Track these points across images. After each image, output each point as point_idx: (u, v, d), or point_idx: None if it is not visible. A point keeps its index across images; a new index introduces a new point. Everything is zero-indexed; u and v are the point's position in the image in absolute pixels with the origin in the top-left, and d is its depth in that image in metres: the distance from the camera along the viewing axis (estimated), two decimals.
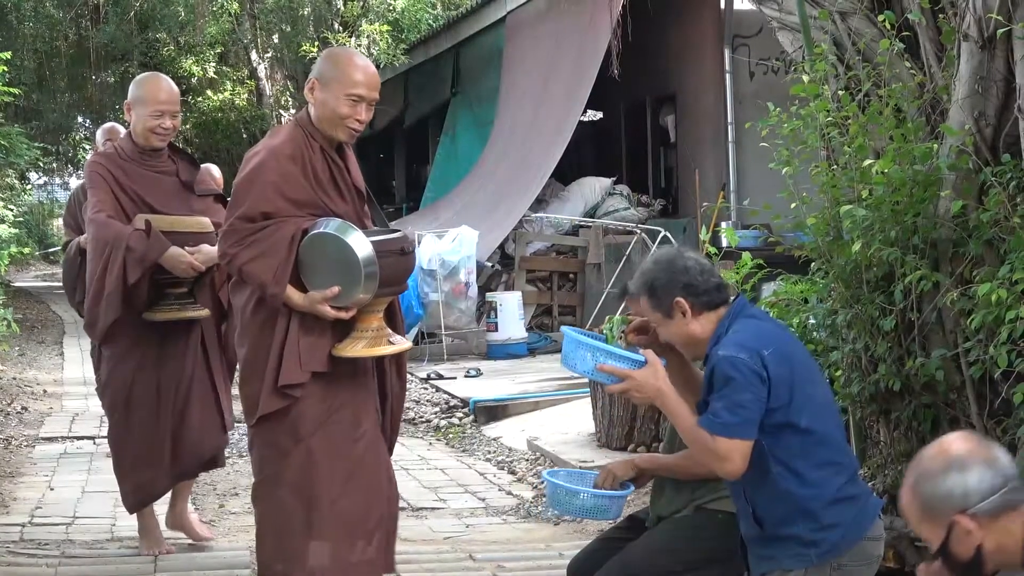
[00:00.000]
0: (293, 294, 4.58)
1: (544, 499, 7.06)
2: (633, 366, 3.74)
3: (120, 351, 6.02)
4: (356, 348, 4.67)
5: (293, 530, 4.67)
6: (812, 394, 3.72)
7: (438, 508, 7.55)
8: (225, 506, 7.47)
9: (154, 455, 6.02)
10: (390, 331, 4.81)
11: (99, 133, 8.22)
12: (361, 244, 4.55)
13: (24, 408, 11.40)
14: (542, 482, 8.00)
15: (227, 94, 27.14)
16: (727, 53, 14.87)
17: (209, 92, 27.18)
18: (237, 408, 5.84)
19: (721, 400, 3.61)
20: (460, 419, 10.43)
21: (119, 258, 5.73)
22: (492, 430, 9.92)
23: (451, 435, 9.99)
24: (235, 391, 7.78)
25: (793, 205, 6.01)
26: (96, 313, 5.87)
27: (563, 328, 4.08)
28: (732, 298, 3.87)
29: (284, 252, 4.57)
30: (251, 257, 4.57)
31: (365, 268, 4.54)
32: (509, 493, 7.94)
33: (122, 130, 8.17)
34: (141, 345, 5.97)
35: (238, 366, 4.88)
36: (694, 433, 3.67)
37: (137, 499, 6.17)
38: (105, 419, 10.36)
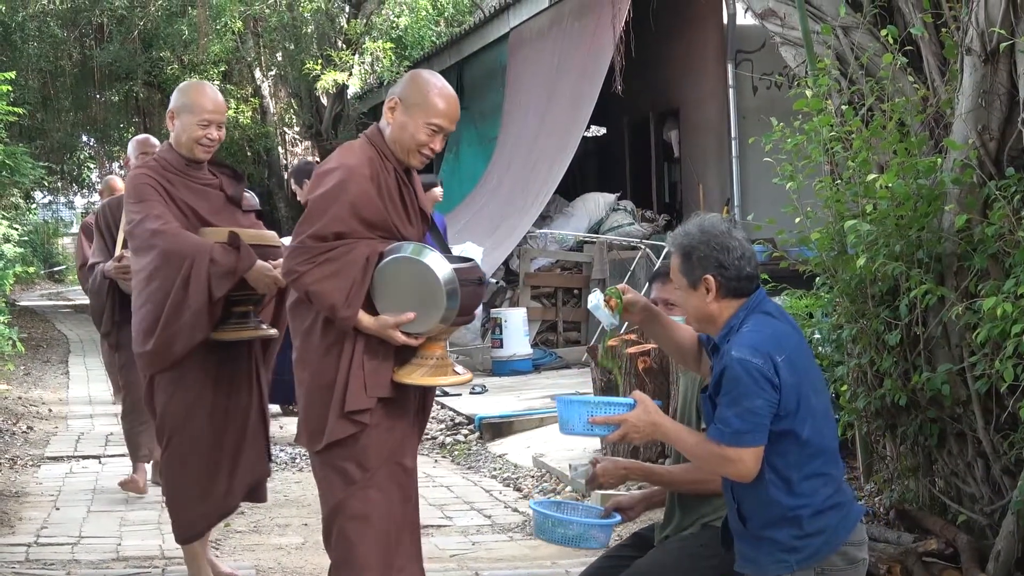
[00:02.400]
0: (363, 317, 4.46)
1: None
2: (623, 410, 3.75)
3: (178, 376, 5.58)
4: (416, 375, 4.56)
5: (367, 563, 4.56)
6: (815, 404, 3.73)
7: (444, 525, 7.54)
8: (230, 525, 7.45)
9: (209, 488, 5.68)
10: (452, 360, 4.72)
11: (132, 145, 7.98)
12: (447, 275, 4.45)
13: (29, 428, 11.40)
14: (547, 499, 8.00)
15: (231, 112, 27.15)
16: (730, 68, 14.90)
17: None
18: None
19: (732, 407, 3.61)
20: (465, 436, 10.42)
21: (203, 272, 5.34)
22: (498, 447, 9.91)
23: (456, 452, 9.98)
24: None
25: (797, 220, 6.01)
26: (171, 335, 5.42)
27: (554, 397, 4.10)
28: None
29: (358, 274, 4.45)
30: (322, 277, 4.44)
31: (448, 299, 4.45)
32: (515, 510, 7.92)
33: (156, 141, 7.90)
34: (199, 369, 5.58)
35: (297, 390, 4.66)
36: (702, 449, 3.69)
37: (188, 534, 5.82)
38: (111, 438, 10.44)
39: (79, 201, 40.68)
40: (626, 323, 4.33)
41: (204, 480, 5.66)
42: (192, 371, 5.57)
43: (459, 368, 4.74)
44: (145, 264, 5.52)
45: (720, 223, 3.84)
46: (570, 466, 4.53)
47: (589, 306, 4.19)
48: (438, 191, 12.81)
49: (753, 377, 3.60)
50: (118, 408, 12.52)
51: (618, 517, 4.49)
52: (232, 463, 5.70)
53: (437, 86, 4.62)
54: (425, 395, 4.81)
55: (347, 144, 4.70)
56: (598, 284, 14.44)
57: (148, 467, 8.30)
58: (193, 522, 5.75)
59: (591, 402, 3.85)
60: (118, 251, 7.54)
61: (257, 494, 5.92)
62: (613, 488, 4.42)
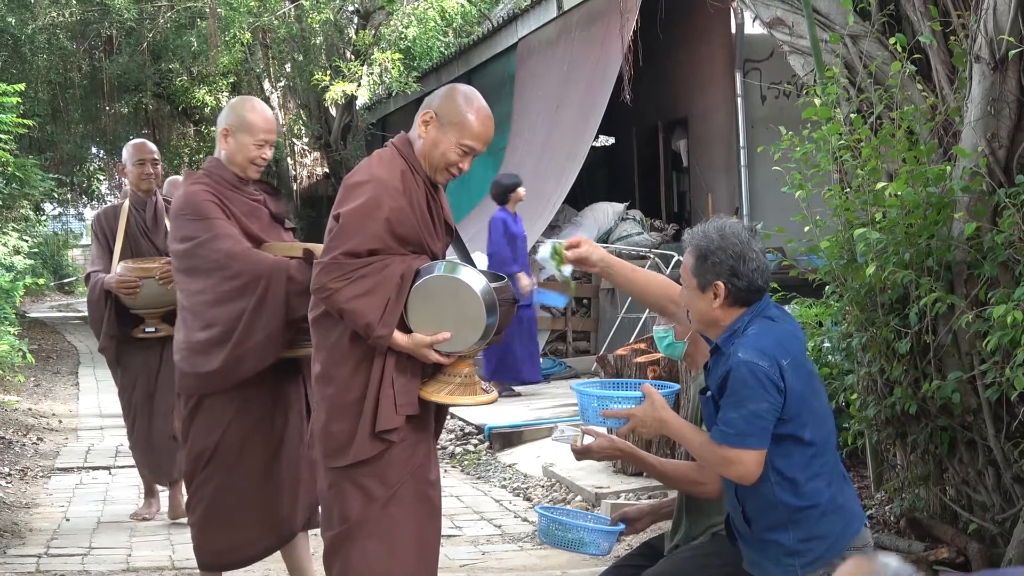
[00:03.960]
0: (396, 335, 4.36)
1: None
2: (633, 403, 3.78)
3: (239, 397, 5.37)
4: (442, 393, 4.49)
5: None
6: (816, 406, 3.75)
7: (454, 536, 7.53)
8: None
9: (265, 510, 5.43)
10: (478, 378, 4.62)
11: (128, 150, 7.67)
12: (487, 297, 4.40)
13: (40, 439, 11.42)
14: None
15: None
16: (738, 77, 14.89)
17: None
18: None
19: (737, 409, 3.62)
20: (475, 446, 10.41)
21: (280, 292, 5.19)
22: (507, 456, 9.90)
23: (466, 462, 9.98)
24: None
25: (807, 228, 6.01)
26: (240, 355, 5.23)
27: (572, 385, 4.10)
28: None
29: (393, 292, 4.36)
30: (356, 294, 4.32)
31: (488, 320, 4.40)
32: (525, 520, 7.91)
33: (153, 147, 7.76)
34: (259, 388, 5.37)
35: (317, 404, 4.57)
36: (706, 449, 3.72)
37: (226, 560, 5.55)
38: (120, 450, 10.44)
39: (88, 213, 40.75)
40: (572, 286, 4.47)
41: (258, 505, 5.43)
42: (255, 391, 5.38)
43: (485, 386, 4.65)
44: (211, 285, 5.31)
45: (742, 231, 3.81)
46: (556, 426, 4.57)
47: (538, 257, 4.23)
48: (522, 191, 12.76)
49: (759, 380, 3.60)
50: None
51: (623, 526, 4.50)
52: (293, 484, 5.49)
53: (475, 105, 4.50)
54: (440, 407, 4.71)
55: (376, 154, 4.58)
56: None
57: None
58: (233, 548, 5.48)
59: (603, 395, 3.89)
60: (115, 261, 7.46)
61: (316, 518, 5.45)
62: (599, 461, 4.44)
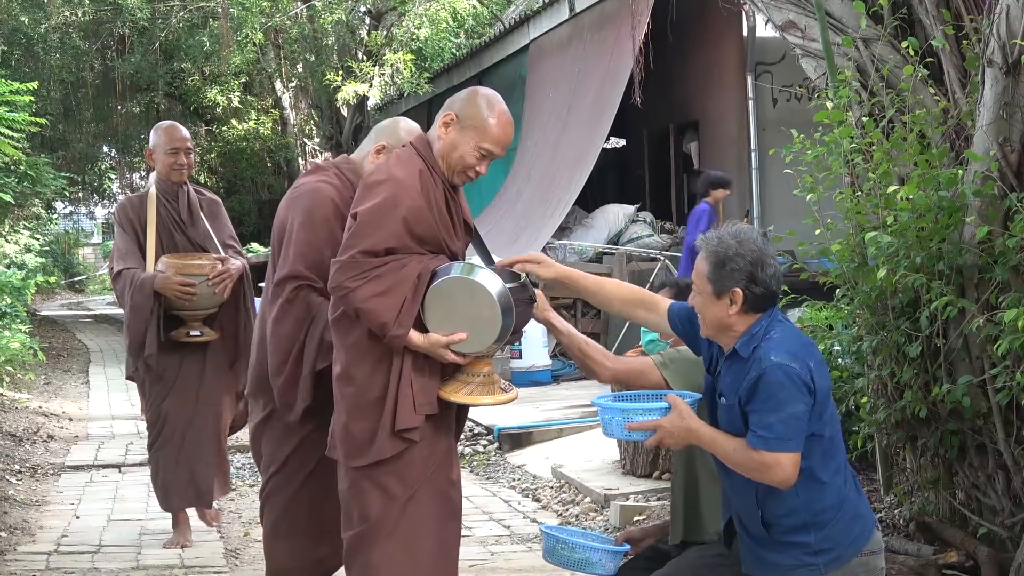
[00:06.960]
0: (413, 335, 4.35)
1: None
2: (659, 414, 3.77)
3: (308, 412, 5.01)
4: (461, 393, 4.47)
5: None
6: (831, 404, 3.79)
7: (463, 536, 7.49)
8: (250, 534, 7.46)
9: (334, 534, 4.91)
10: (499, 377, 4.61)
11: (160, 135, 7.11)
12: (503, 298, 4.38)
13: (50, 437, 11.44)
14: (566, 509, 8.00)
15: (251, 123, 27.28)
16: (750, 80, 14.89)
17: (234, 121, 27.35)
18: None
19: (775, 413, 3.62)
20: (484, 446, 10.41)
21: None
22: (516, 457, 9.90)
23: (476, 462, 9.98)
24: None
25: (817, 231, 6.00)
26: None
27: (593, 400, 4.10)
28: None
29: (409, 292, 4.34)
30: (372, 294, 4.30)
31: (503, 321, 4.39)
32: (533, 521, 7.91)
33: (185, 132, 7.16)
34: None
35: (338, 404, 4.50)
36: (740, 455, 3.70)
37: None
38: (131, 448, 10.46)
39: (100, 212, 40.88)
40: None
41: (326, 527, 5.14)
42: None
43: (504, 384, 4.63)
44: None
45: (756, 237, 3.82)
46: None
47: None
48: (723, 192, 12.62)
49: (794, 383, 3.62)
50: (137, 413, 12.57)
51: (627, 547, 4.52)
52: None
53: (497, 110, 4.54)
54: (461, 406, 4.66)
55: (394, 154, 4.57)
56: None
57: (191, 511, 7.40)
58: (286, 567, 5.25)
59: (627, 408, 3.87)
60: (150, 256, 6.92)
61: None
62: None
